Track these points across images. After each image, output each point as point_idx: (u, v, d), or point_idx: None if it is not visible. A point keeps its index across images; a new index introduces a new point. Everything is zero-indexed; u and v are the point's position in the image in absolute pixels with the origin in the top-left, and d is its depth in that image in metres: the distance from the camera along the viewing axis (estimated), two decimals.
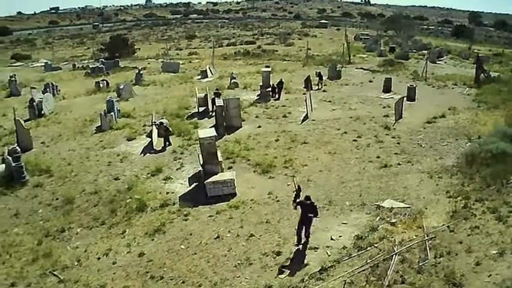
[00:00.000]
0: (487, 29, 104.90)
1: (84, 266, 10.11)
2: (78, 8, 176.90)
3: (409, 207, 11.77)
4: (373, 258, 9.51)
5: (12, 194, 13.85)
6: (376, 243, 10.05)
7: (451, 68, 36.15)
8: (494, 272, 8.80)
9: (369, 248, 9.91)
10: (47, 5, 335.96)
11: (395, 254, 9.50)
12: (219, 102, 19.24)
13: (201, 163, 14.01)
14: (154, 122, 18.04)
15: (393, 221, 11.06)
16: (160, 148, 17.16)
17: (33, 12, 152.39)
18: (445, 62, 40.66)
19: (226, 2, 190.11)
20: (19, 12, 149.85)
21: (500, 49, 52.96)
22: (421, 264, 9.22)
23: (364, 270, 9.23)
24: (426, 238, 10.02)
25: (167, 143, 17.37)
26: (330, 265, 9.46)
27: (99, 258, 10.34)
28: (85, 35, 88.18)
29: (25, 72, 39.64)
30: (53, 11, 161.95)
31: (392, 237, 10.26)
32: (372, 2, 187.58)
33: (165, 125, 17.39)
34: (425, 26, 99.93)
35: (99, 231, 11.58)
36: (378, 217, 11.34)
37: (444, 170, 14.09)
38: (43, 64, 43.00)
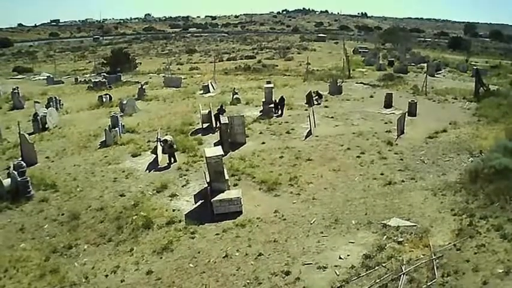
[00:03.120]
0: (483, 39, 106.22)
1: (92, 283, 10.07)
2: (79, 20, 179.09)
3: (415, 225, 11.82)
4: (382, 278, 9.54)
5: (17, 209, 13.84)
6: (384, 263, 10.10)
7: (449, 82, 36.39)
8: None
9: (377, 268, 9.94)
10: (47, 17, 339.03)
11: (404, 273, 9.56)
12: (224, 119, 19.39)
13: (207, 181, 14.08)
14: (159, 139, 18.05)
15: (400, 239, 11.12)
16: (165, 165, 17.20)
17: (34, 25, 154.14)
18: (444, 76, 40.95)
19: (224, 16, 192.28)
20: (20, 24, 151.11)
21: (497, 61, 53.44)
22: (429, 283, 9.24)
23: None
24: (434, 257, 10.08)
25: (172, 159, 17.39)
26: (339, 285, 9.49)
27: (107, 276, 10.31)
28: (86, 47, 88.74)
29: (27, 85, 39.82)
30: (53, 24, 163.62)
31: (400, 257, 10.31)
32: (368, 15, 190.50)
33: (169, 142, 17.38)
34: (422, 38, 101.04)
35: (106, 248, 11.56)
36: (385, 236, 11.38)
37: (448, 187, 14.16)
38: (45, 77, 43.24)
